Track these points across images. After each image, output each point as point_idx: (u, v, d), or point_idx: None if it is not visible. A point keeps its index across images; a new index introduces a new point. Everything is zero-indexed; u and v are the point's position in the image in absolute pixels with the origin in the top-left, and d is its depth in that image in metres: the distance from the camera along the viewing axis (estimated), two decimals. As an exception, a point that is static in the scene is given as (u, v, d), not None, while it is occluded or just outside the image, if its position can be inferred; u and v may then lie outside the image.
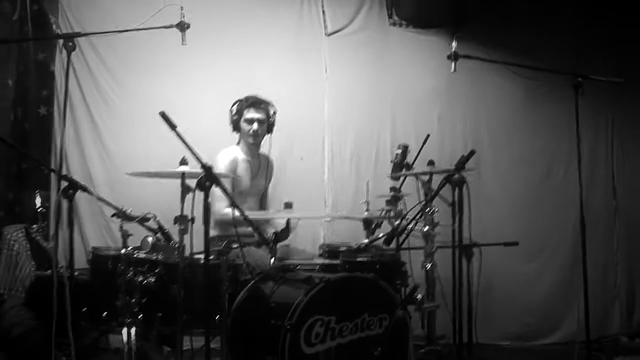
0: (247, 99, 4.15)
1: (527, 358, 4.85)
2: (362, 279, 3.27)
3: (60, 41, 4.24)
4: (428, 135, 4.37)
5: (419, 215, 3.81)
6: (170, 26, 3.52)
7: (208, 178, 2.80)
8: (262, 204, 4.34)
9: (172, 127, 2.77)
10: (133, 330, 3.13)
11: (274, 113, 4.19)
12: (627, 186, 5.55)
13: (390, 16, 5.25)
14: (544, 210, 5.38)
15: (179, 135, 2.79)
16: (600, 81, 4.23)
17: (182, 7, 3.54)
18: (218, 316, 3.10)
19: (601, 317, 5.34)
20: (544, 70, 4.43)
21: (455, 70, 3.98)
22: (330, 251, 3.98)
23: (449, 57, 3.96)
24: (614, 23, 5.42)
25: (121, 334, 3.13)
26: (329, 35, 5.12)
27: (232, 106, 4.16)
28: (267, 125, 4.18)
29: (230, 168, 4.05)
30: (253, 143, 4.18)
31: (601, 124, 5.53)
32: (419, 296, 3.70)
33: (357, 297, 3.18)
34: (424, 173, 3.96)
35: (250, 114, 4.12)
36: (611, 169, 5.56)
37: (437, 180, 3.82)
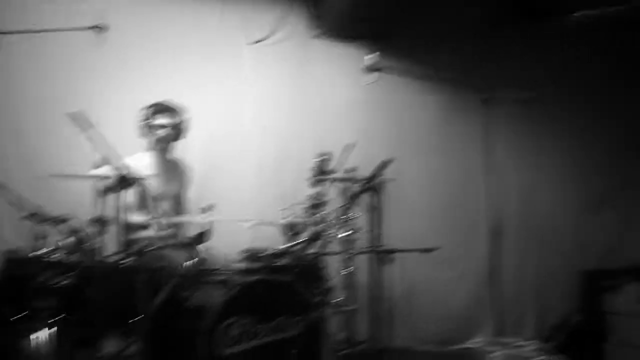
0: (156, 104, 4.16)
1: (443, 362, 4.98)
2: (279, 282, 3.32)
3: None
4: (350, 144, 4.47)
5: (338, 221, 3.90)
6: (87, 28, 3.51)
7: (122, 181, 2.81)
8: (178, 209, 4.35)
9: (85, 128, 2.78)
10: (49, 333, 3.09)
11: (184, 120, 4.21)
12: (537, 197, 5.77)
13: (313, 28, 5.35)
14: (461, 219, 5.54)
15: (92, 137, 2.80)
16: (510, 96, 4.47)
17: (100, 10, 3.54)
18: (135, 319, 3.10)
19: (516, 322, 5.52)
20: (456, 85, 4.60)
21: (372, 82, 4.13)
22: (251, 256, 4.02)
23: (366, 69, 4.11)
24: (526, 47, 5.68)
25: (37, 337, 3.09)
26: (251, 44, 5.17)
27: (142, 111, 4.16)
28: (177, 131, 4.20)
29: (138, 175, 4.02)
30: (160, 148, 4.19)
31: (512, 137, 5.74)
32: (338, 300, 3.81)
33: (274, 300, 3.24)
34: (343, 180, 4.06)
35: (158, 120, 4.13)
36: (522, 180, 5.77)
37: (356, 187, 3.95)
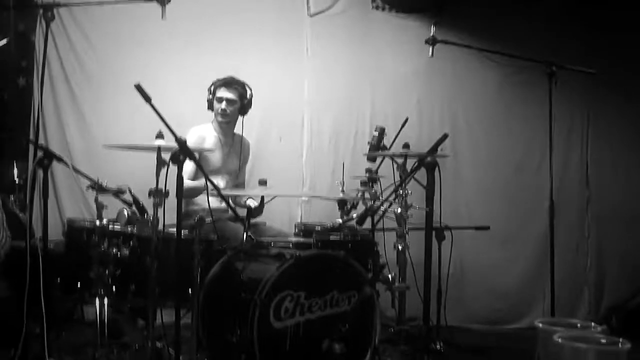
0: (223, 78, 4.21)
1: (495, 341, 4.91)
2: (333, 257, 3.31)
3: (41, 11, 4.22)
4: (407, 119, 4.42)
5: (393, 196, 3.87)
6: (149, 0, 3.53)
7: (182, 152, 2.84)
8: (238, 184, 4.39)
9: (147, 99, 2.79)
10: (106, 301, 3.17)
11: (250, 95, 4.23)
12: (600, 176, 5.62)
13: (372, -1, 5.29)
14: (518, 197, 5.43)
15: (153, 108, 2.82)
16: (576, 73, 4.33)
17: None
18: (190, 289, 3.15)
19: (570, 304, 5.43)
20: (519, 58, 4.47)
21: (432, 55, 4.05)
22: (305, 230, 4.03)
23: (427, 42, 4.03)
24: (592, 18, 5.46)
25: (95, 305, 3.17)
26: (312, 15, 5.13)
27: (210, 84, 4.22)
28: (241, 106, 4.22)
29: (197, 144, 4.11)
30: (222, 122, 4.24)
31: (576, 114, 5.57)
32: (390, 276, 3.79)
33: (327, 274, 3.24)
34: (398, 155, 4.02)
35: (221, 92, 4.19)
36: (585, 158, 5.61)
37: (413, 163, 3.91)
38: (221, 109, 4.19)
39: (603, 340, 3.07)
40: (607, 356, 2.99)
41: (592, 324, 3.51)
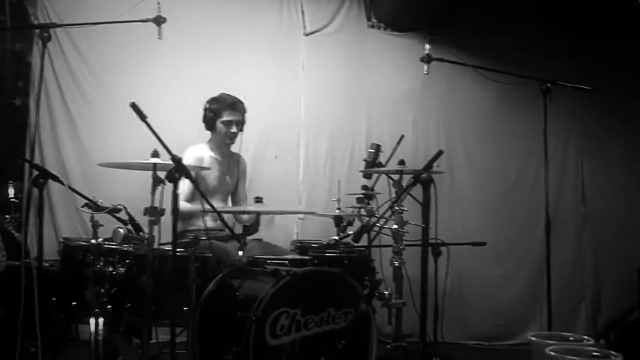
0: (225, 99, 4.15)
1: (492, 358, 4.91)
2: (329, 273, 3.31)
3: (37, 32, 4.24)
4: (402, 136, 4.41)
5: (389, 213, 3.87)
6: (147, 20, 3.57)
7: (177, 170, 2.84)
8: (236, 202, 4.38)
9: (143, 118, 2.80)
10: (101, 320, 3.15)
11: (245, 111, 4.23)
12: (596, 192, 5.63)
13: (368, 18, 5.34)
14: (514, 213, 5.45)
15: (149, 126, 2.82)
16: (572, 89, 4.35)
17: (159, 2, 3.61)
18: (186, 307, 3.14)
19: (567, 319, 5.42)
20: (513, 75, 4.50)
21: (428, 72, 4.09)
22: (301, 247, 4.03)
23: (422, 60, 4.08)
24: (585, 33, 5.51)
25: (89, 324, 3.15)
26: (308, 35, 5.18)
27: (208, 104, 4.17)
28: (241, 125, 4.21)
29: (195, 165, 4.08)
30: (229, 143, 4.21)
31: (572, 130, 5.61)
32: (386, 292, 3.77)
33: (323, 291, 3.23)
34: (394, 172, 4.02)
35: (230, 116, 4.12)
36: (581, 175, 5.63)
37: (408, 179, 3.91)
38: (232, 132, 4.14)
39: (596, 353, 3.08)
40: (600, 369, 3.01)
41: (585, 337, 3.52)
